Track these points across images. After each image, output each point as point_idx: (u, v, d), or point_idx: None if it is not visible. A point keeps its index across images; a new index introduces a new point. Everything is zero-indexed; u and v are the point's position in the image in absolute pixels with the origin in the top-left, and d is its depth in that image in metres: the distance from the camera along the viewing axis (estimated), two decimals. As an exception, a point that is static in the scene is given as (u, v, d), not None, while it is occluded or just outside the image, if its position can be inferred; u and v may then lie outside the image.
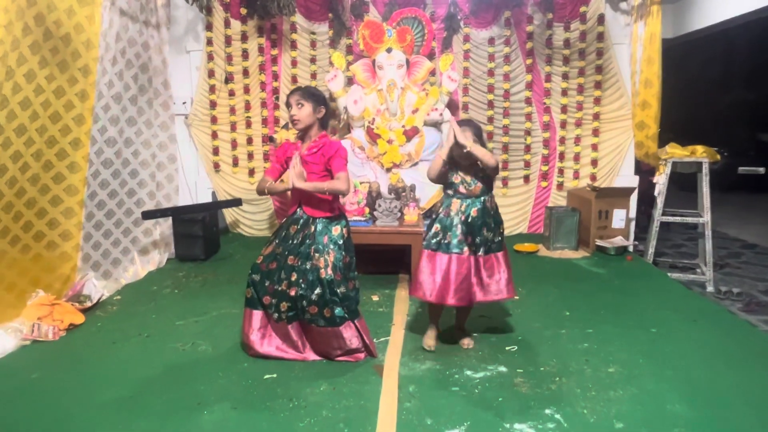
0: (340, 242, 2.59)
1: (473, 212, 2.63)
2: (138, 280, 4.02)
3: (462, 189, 2.66)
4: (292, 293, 2.55)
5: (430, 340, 2.78)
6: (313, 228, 2.58)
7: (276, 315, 2.60)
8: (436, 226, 2.69)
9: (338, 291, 2.53)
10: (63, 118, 3.33)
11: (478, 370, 2.52)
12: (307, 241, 2.56)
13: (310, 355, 2.64)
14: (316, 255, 2.53)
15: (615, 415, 2.13)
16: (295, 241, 2.58)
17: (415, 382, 2.41)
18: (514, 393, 2.32)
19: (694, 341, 2.82)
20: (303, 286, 2.53)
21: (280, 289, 2.56)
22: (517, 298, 2.74)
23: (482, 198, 2.66)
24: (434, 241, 2.67)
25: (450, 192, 2.71)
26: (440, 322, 2.87)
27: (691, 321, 3.09)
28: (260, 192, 2.65)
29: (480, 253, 2.64)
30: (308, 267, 2.52)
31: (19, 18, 2.95)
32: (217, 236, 4.81)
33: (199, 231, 4.46)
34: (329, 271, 2.52)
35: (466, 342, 2.78)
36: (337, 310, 2.53)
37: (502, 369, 2.53)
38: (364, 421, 2.11)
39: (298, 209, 2.61)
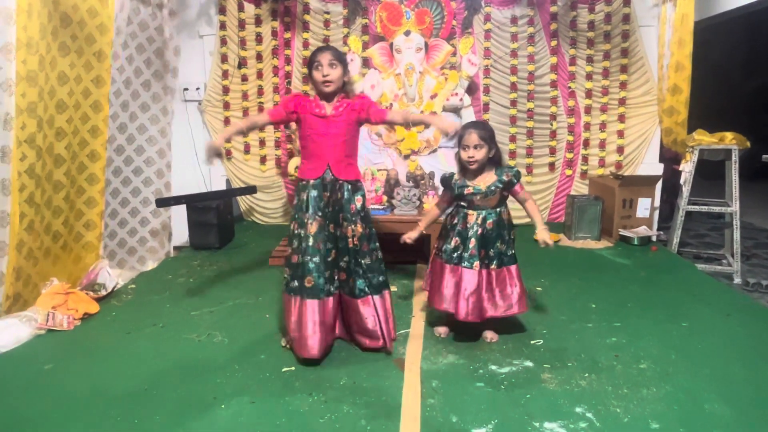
0: (363, 213, 2.52)
1: (489, 224, 2.55)
2: (152, 269, 3.97)
3: (477, 200, 2.57)
4: (338, 260, 2.50)
5: (441, 328, 2.75)
6: (340, 194, 2.48)
7: (330, 288, 2.46)
8: (456, 239, 2.59)
9: (362, 262, 2.48)
10: (82, 106, 3.26)
11: (503, 365, 2.42)
12: (336, 207, 2.48)
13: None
14: (345, 223, 2.47)
15: (650, 414, 2.03)
16: (329, 209, 2.48)
17: (438, 377, 2.32)
18: (541, 390, 2.22)
19: (729, 337, 2.69)
20: (338, 253, 2.50)
21: (329, 260, 2.47)
22: (527, 311, 2.67)
23: (498, 209, 2.57)
24: (455, 255, 2.58)
25: (464, 204, 2.61)
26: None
27: (724, 315, 2.96)
28: (248, 121, 2.61)
29: (493, 266, 2.56)
30: (339, 234, 2.48)
31: (43, 3, 2.87)
32: (232, 224, 4.75)
33: (213, 219, 4.40)
34: (356, 241, 2.47)
35: (489, 335, 2.69)
36: (359, 282, 2.49)
37: (528, 364, 2.43)
38: (386, 418, 2.02)
39: (326, 172, 2.46)
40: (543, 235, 2.56)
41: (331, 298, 2.49)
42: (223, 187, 5.12)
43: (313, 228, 2.45)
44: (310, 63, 2.43)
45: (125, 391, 2.25)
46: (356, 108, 2.46)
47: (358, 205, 2.51)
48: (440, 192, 2.75)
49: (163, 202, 4.29)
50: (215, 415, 2.06)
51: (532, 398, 2.15)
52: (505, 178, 2.55)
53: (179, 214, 4.56)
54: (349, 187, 2.49)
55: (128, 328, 2.88)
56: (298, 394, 2.20)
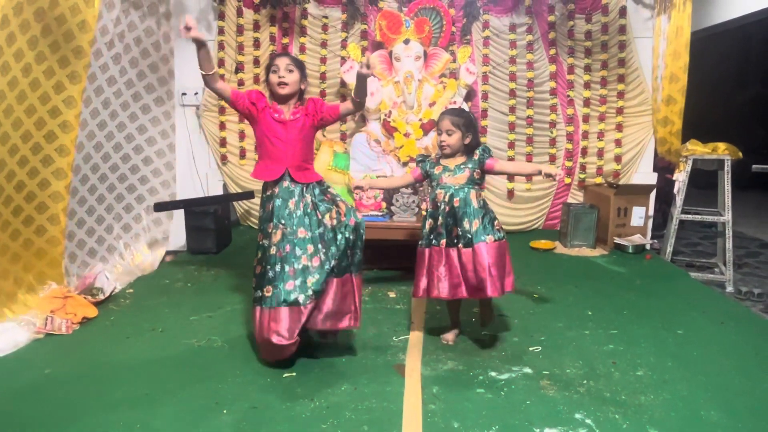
0: (338, 196, 2.56)
1: (455, 202, 2.56)
2: (150, 273, 3.96)
3: (446, 178, 2.60)
4: (316, 263, 2.44)
5: (448, 334, 2.75)
6: (308, 196, 2.49)
7: (302, 297, 2.40)
8: (430, 221, 2.63)
9: (350, 237, 2.47)
10: (52, 99, 3.25)
11: (502, 372, 2.44)
12: (309, 209, 2.47)
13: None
14: (326, 215, 2.47)
15: (648, 421, 2.05)
16: (297, 214, 2.46)
17: (439, 383, 2.34)
18: (541, 396, 2.24)
19: (724, 345, 2.73)
20: (323, 250, 2.45)
21: (300, 267, 2.42)
22: (511, 291, 2.58)
23: (467, 188, 2.57)
24: (430, 237, 2.62)
25: (434, 184, 2.66)
26: (462, 321, 2.82)
27: (719, 323, 3.00)
28: (209, 72, 2.37)
29: (460, 245, 2.54)
30: (321, 230, 2.46)
31: None
32: (229, 229, 4.75)
33: (210, 224, 4.40)
34: (342, 217, 2.48)
35: (450, 337, 2.73)
36: (357, 255, 2.51)
37: (528, 370, 2.45)
38: (388, 424, 2.04)
39: (285, 177, 2.46)
40: (547, 168, 2.52)
41: (298, 307, 2.40)
42: (220, 191, 5.12)
43: (276, 237, 2.45)
44: (268, 67, 2.46)
45: (125, 396, 2.25)
46: (310, 111, 2.49)
47: (332, 191, 2.57)
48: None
49: (162, 206, 4.29)
50: (217, 421, 2.07)
51: (532, 404, 2.18)
52: (474, 156, 2.60)
53: (177, 219, 4.55)
54: (315, 185, 2.52)
55: (127, 333, 2.88)
56: (300, 399, 2.21)
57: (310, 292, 2.41)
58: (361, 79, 2.43)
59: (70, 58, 3.31)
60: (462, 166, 2.60)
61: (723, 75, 10.24)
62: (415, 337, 2.81)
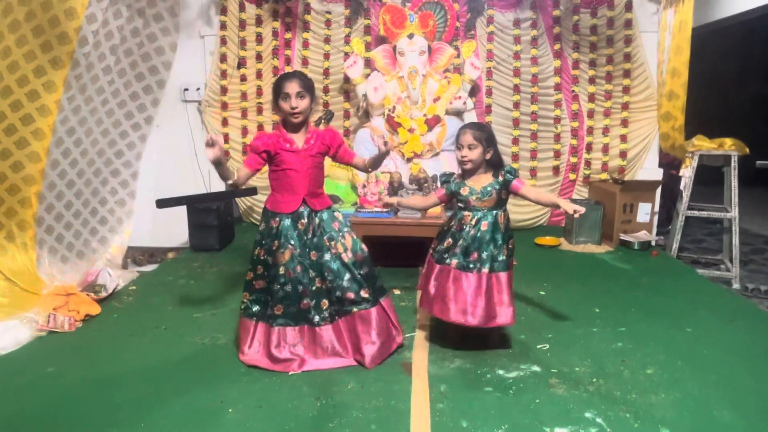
0: (347, 226, 2.52)
1: (483, 226, 2.50)
2: (152, 270, 3.94)
3: (473, 201, 2.54)
4: (325, 288, 2.45)
5: (452, 333, 2.70)
6: (317, 220, 2.45)
7: (317, 317, 2.45)
8: (449, 240, 2.57)
9: (362, 272, 2.45)
10: (31, 83, 3.20)
11: (510, 370, 2.42)
12: (318, 233, 2.44)
13: (351, 358, 2.46)
14: (333, 243, 2.43)
15: (660, 420, 2.02)
16: (308, 236, 2.44)
17: (446, 382, 2.31)
18: (550, 395, 2.21)
19: (734, 343, 2.70)
20: (330, 277, 2.43)
21: (314, 288, 2.44)
22: (513, 323, 2.52)
23: (495, 212, 2.52)
24: (447, 255, 2.56)
25: (461, 205, 2.59)
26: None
27: (728, 321, 2.97)
28: (226, 178, 2.33)
29: (484, 270, 2.49)
30: (328, 257, 2.42)
31: None
32: (232, 226, 4.72)
33: (213, 220, 4.37)
34: (350, 255, 2.44)
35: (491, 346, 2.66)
36: (369, 290, 2.46)
37: (536, 369, 2.43)
38: (396, 423, 2.01)
39: (302, 205, 2.44)
40: (568, 206, 2.44)
41: (306, 327, 2.45)
42: (222, 188, 5.08)
43: (284, 257, 2.41)
44: (276, 91, 2.35)
45: (130, 395, 2.22)
46: (326, 142, 2.45)
47: (340, 218, 2.52)
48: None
49: (164, 203, 4.24)
50: (223, 420, 2.04)
51: (541, 403, 2.15)
52: (500, 177, 2.54)
53: (180, 216, 4.51)
54: (325, 210, 2.49)
55: (131, 331, 2.85)
56: (306, 398, 2.18)
57: (325, 314, 2.45)
58: (381, 156, 2.49)
59: (54, 43, 3.27)
60: (489, 189, 2.52)
61: (725, 71, 10.18)
62: (422, 335, 2.79)
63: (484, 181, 2.55)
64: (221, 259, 4.17)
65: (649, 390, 2.24)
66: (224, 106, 5.01)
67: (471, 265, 2.50)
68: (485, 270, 2.48)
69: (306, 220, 2.44)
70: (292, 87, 2.33)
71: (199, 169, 5.07)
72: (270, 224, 2.47)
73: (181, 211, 4.44)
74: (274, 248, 2.44)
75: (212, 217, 4.35)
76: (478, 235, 2.50)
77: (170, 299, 3.32)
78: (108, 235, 4.31)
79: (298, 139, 2.42)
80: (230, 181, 2.35)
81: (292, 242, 2.42)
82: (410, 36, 4.34)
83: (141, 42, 4.27)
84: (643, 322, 2.96)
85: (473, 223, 2.52)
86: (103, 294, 3.33)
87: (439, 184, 2.72)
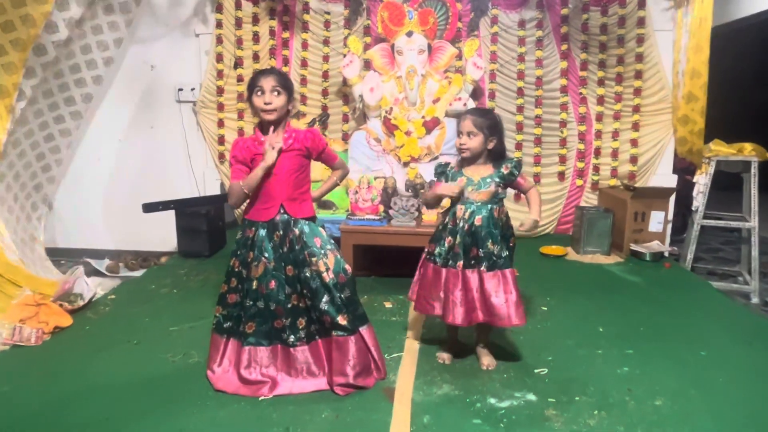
0: (331, 244, 2.28)
1: (477, 220, 2.30)
2: (136, 278, 3.77)
3: (468, 193, 2.33)
4: (303, 305, 2.25)
5: (444, 353, 2.51)
6: (297, 231, 2.22)
7: (292, 338, 2.26)
8: (449, 239, 2.36)
9: (343, 296, 2.22)
10: None
11: (503, 398, 2.19)
12: (296, 246, 2.22)
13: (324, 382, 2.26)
14: (313, 259, 2.20)
15: (668, 463, 1.80)
16: (284, 249, 2.23)
17: (431, 411, 2.09)
18: (545, 429, 1.99)
19: (753, 369, 2.45)
20: (309, 295, 2.22)
21: (290, 306, 2.24)
22: (525, 324, 2.32)
23: (490, 206, 2.31)
24: (443, 254, 2.36)
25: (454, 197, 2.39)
26: (460, 335, 2.59)
27: (746, 343, 2.72)
28: (239, 196, 2.18)
29: (483, 268, 2.30)
30: (308, 274, 2.20)
31: None
32: (223, 231, 4.55)
33: (202, 225, 4.20)
34: (331, 275, 2.21)
35: (486, 362, 2.46)
36: (348, 317, 2.23)
37: (531, 397, 2.20)
38: (370, 461, 1.81)
39: (279, 213, 2.22)
40: (527, 219, 2.33)
41: (279, 347, 2.28)
42: (217, 191, 4.93)
43: (258, 271, 2.22)
44: (251, 86, 2.18)
45: (87, 418, 2.04)
46: (307, 144, 2.25)
47: (324, 235, 2.29)
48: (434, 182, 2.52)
49: (151, 207, 4.10)
50: (180, 452, 1.85)
51: (535, 439, 1.93)
52: (503, 170, 2.33)
53: (168, 221, 4.35)
54: (306, 221, 2.27)
55: (100, 345, 2.68)
56: (275, 428, 1.98)
57: (301, 334, 2.26)
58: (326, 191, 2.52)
59: (17, 24, 3.12)
60: (488, 180, 2.32)
61: (744, 72, 9.84)
62: (410, 355, 2.58)
63: (483, 172, 2.34)
64: (210, 266, 4.00)
65: (657, 424, 2.01)
66: (220, 107, 4.86)
67: (473, 262, 2.31)
68: (483, 268, 2.30)
69: (282, 232, 2.23)
70: (268, 82, 2.15)
71: (192, 172, 4.92)
72: (246, 233, 2.28)
73: (174, 214, 4.28)
74: (249, 260, 2.25)
75: (202, 221, 4.18)
76: (473, 230, 2.30)
77: (149, 310, 3.15)
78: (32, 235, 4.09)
79: (276, 139, 2.21)
80: (248, 192, 2.18)
81: (266, 255, 2.23)
82: (409, 34, 4.14)
83: (83, 32, 4.03)
84: (652, 342, 2.72)
85: (466, 217, 2.32)
86: (80, 303, 3.17)
87: (435, 176, 2.49)
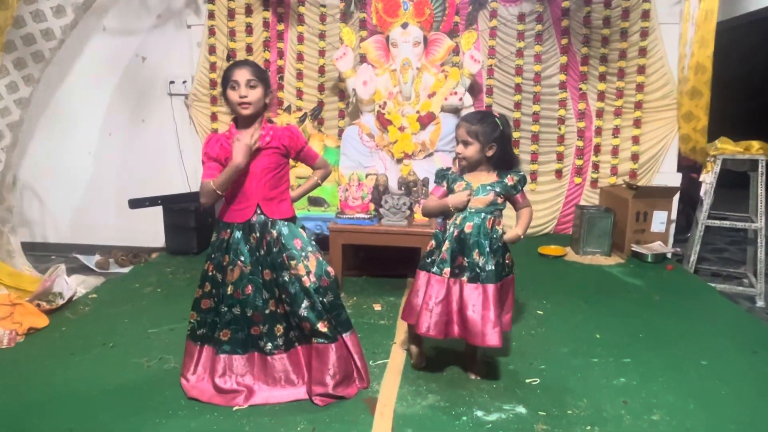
0: (312, 246, 2.17)
1: (467, 227, 2.17)
2: (120, 276, 3.67)
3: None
4: (281, 311, 2.14)
5: (416, 359, 2.39)
6: (275, 233, 2.10)
7: (270, 345, 2.14)
8: (431, 243, 2.26)
9: (325, 300, 2.11)
10: None
11: (491, 411, 2.08)
12: (274, 249, 2.10)
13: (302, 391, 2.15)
14: (292, 263, 2.08)
15: (664, 486, 1.68)
16: (261, 252, 2.12)
17: (413, 424, 1.98)
18: (534, 445, 1.88)
19: (758, 381, 2.32)
20: (287, 300, 2.11)
21: (267, 312, 2.13)
22: (500, 347, 2.16)
23: (484, 214, 2.19)
24: (430, 260, 2.25)
25: None
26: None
27: (751, 352, 2.59)
28: (210, 196, 2.05)
29: (464, 278, 2.17)
30: (287, 278, 2.09)
31: None
32: (212, 228, 4.43)
33: (191, 222, 4.10)
34: (312, 279, 2.09)
35: (474, 372, 2.34)
36: (329, 323, 2.12)
37: (521, 410, 2.08)
38: (344, 480, 1.70)
39: (256, 213, 2.11)
40: (511, 232, 2.22)
41: (256, 355, 2.17)
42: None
43: (233, 275, 2.11)
44: (225, 80, 2.06)
45: (51, 428, 1.94)
46: (284, 142, 2.12)
47: (304, 236, 2.17)
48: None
49: (137, 203, 4.00)
50: (144, 467, 1.75)
51: (522, 457, 1.81)
52: (507, 181, 2.20)
53: (155, 217, 4.25)
54: (285, 222, 2.14)
55: (74, 348, 2.58)
56: (246, 441, 1.87)
57: (279, 342, 2.15)
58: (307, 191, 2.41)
59: None
60: (488, 188, 2.19)
61: (753, 68, 9.64)
62: (396, 362, 2.46)
63: (484, 179, 2.22)
64: (198, 263, 3.86)
65: (653, 442, 1.89)
66: (213, 100, 4.73)
67: (447, 271, 2.18)
68: (464, 278, 2.17)
69: (258, 234, 2.12)
70: (242, 75, 2.03)
71: (183, 167, 4.80)
72: (221, 235, 2.16)
73: (162, 210, 4.18)
74: (224, 263, 2.14)
75: (190, 218, 4.08)
76: (462, 236, 2.18)
77: (129, 310, 3.05)
78: None
79: (253, 136, 2.09)
80: (222, 193, 2.05)
81: (242, 258, 2.11)
82: (404, 25, 3.99)
83: (21, 20, 3.71)
84: (651, 351, 2.59)
85: (458, 222, 2.20)
86: (60, 302, 3.07)
87: (435, 182, 2.36)
